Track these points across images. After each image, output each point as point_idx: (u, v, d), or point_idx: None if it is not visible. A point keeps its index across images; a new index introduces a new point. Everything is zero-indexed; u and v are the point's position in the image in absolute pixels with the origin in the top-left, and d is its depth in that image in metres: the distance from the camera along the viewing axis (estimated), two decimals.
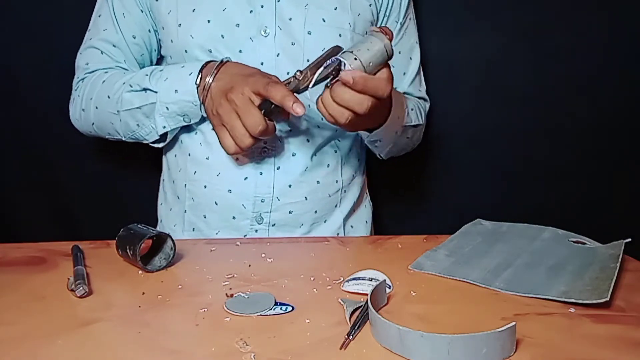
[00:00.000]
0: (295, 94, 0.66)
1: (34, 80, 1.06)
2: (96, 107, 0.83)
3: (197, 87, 0.74)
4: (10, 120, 1.08)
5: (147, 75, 0.78)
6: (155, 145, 0.83)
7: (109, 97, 0.80)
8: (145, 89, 0.77)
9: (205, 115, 0.76)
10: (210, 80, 0.73)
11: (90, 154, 1.10)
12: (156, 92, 0.76)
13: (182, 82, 0.75)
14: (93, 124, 0.85)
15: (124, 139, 0.84)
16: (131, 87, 0.78)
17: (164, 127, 0.79)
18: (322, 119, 0.83)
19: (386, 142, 0.84)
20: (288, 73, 0.80)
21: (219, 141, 0.73)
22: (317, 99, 0.66)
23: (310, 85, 0.65)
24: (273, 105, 0.69)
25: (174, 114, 0.77)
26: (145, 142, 0.83)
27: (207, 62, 0.75)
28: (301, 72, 0.66)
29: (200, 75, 0.74)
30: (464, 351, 0.42)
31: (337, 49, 0.65)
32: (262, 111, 0.69)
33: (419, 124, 0.90)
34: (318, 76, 0.64)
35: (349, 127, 0.68)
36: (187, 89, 0.75)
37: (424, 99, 0.95)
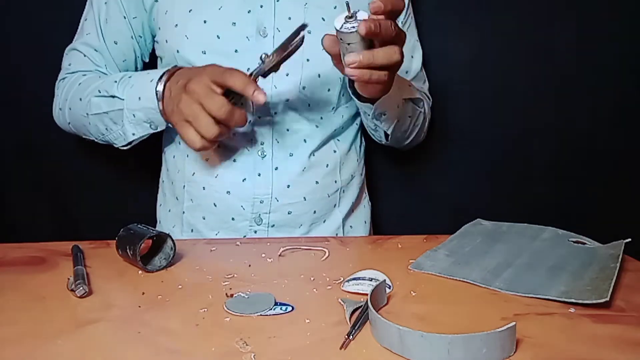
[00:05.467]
0: (263, 77, 0.67)
1: (34, 80, 1.06)
2: (69, 108, 0.84)
3: (157, 93, 0.73)
4: (10, 120, 1.08)
5: (115, 82, 0.78)
6: (123, 149, 0.83)
7: (80, 99, 0.81)
8: (112, 96, 0.77)
9: (168, 122, 0.75)
10: (162, 88, 0.72)
11: (90, 154, 1.10)
12: (123, 100, 0.76)
13: (145, 88, 0.74)
14: (69, 123, 0.87)
15: (96, 140, 0.85)
16: (99, 92, 0.79)
17: (133, 134, 0.78)
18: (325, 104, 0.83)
19: (391, 115, 0.80)
20: (287, 75, 0.80)
21: (183, 139, 0.70)
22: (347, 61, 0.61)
23: (276, 65, 0.65)
24: (241, 97, 0.68)
25: (141, 121, 0.77)
26: (115, 145, 0.83)
27: (168, 70, 0.75)
28: (267, 55, 0.66)
29: (159, 81, 0.73)
30: (464, 351, 0.42)
31: (302, 27, 0.65)
32: (231, 100, 0.67)
33: (419, 99, 0.87)
34: (286, 53, 0.64)
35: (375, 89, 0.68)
36: (148, 96, 0.74)
37: (427, 96, 0.95)
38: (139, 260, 0.61)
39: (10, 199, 1.12)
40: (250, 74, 0.68)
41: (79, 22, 0.90)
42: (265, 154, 0.81)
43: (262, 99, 0.64)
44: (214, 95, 0.66)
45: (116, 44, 0.85)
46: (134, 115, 0.76)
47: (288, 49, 0.64)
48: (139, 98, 0.75)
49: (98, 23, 0.85)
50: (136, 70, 0.90)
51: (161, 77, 0.74)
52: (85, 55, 0.86)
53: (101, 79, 0.81)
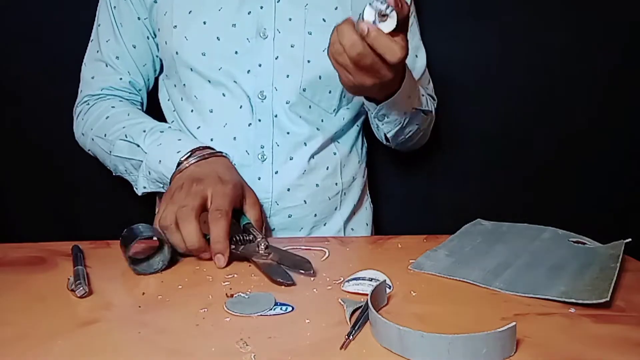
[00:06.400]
0: (240, 252, 0.64)
1: (34, 80, 1.06)
2: (92, 139, 0.83)
3: (178, 166, 0.72)
4: (10, 120, 1.08)
5: (144, 132, 0.77)
6: (137, 193, 0.81)
7: (105, 135, 0.81)
8: (137, 145, 0.77)
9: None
10: (184, 165, 0.71)
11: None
12: (146, 154, 0.76)
13: (169, 156, 0.73)
14: (89, 150, 0.86)
15: (114, 174, 0.84)
16: (125, 137, 0.78)
17: (144, 187, 0.78)
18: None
19: (394, 119, 0.79)
20: (288, 76, 0.80)
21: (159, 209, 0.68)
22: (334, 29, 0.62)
23: (260, 259, 0.62)
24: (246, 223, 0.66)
25: (154, 180, 0.76)
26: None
27: (200, 147, 0.73)
28: (267, 247, 0.63)
29: (188, 155, 0.72)
30: (464, 351, 0.42)
31: (310, 272, 0.61)
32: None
33: (429, 111, 0.86)
34: (277, 264, 0.61)
35: (349, 82, 0.65)
36: (168, 165, 0.73)
37: (432, 97, 0.95)
38: (127, 261, 0.61)
39: (10, 199, 1.12)
40: (237, 240, 0.65)
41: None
42: (265, 157, 0.81)
43: (219, 265, 0.62)
44: (195, 203, 0.64)
45: (135, 47, 0.85)
46: (149, 172, 0.76)
47: (281, 265, 0.61)
48: (160, 161, 0.74)
49: (116, 27, 0.84)
50: (155, 72, 0.90)
51: (191, 154, 0.72)
52: (107, 65, 0.85)
53: (129, 118, 0.80)
